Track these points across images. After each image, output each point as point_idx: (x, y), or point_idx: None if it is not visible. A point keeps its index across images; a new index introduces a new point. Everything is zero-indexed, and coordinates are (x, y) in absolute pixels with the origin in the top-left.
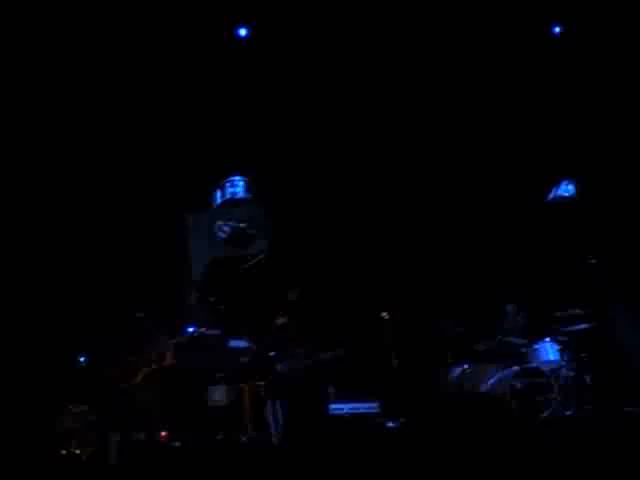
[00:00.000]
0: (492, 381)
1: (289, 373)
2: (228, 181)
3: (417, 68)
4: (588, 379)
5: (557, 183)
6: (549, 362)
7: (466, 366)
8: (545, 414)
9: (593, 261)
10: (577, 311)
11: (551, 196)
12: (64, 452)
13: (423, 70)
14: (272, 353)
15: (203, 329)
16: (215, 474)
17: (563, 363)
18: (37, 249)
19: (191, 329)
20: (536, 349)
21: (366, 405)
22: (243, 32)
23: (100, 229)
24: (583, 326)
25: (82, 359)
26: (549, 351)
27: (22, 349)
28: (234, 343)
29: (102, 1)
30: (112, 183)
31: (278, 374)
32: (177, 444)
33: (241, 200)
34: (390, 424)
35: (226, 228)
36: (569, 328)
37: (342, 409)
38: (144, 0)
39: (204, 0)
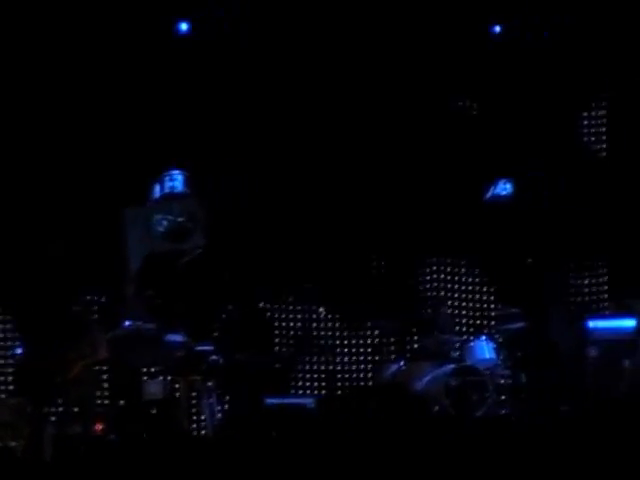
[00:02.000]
0: (427, 379)
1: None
2: (167, 175)
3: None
4: (523, 378)
5: (494, 182)
6: (484, 360)
7: (401, 363)
8: (479, 413)
9: (529, 261)
10: (513, 310)
11: (488, 195)
12: None
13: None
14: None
15: (139, 323)
16: (150, 468)
17: (498, 362)
18: None
19: (127, 323)
20: (471, 347)
21: (302, 401)
22: (184, 27)
23: (38, 221)
24: (519, 325)
25: (18, 351)
26: (484, 349)
27: None
28: (170, 337)
29: None
30: (50, 175)
31: (213, 368)
32: (112, 437)
33: (180, 194)
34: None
35: (164, 222)
36: (505, 326)
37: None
38: None
39: None
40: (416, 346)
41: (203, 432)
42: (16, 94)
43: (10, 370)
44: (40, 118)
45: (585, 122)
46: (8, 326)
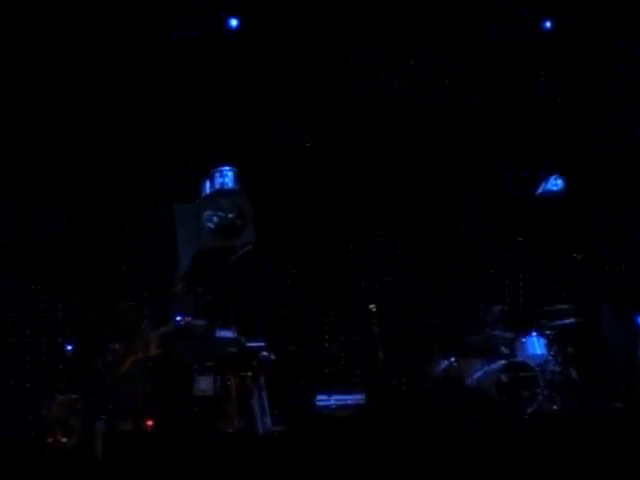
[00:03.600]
0: (478, 375)
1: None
2: (217, 171)
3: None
4: (574, 374)
5: (545, 177)
6: (535, 356)
7: (452, 359)
8: (531, 409)
9: (579, 257)
10: (563, 306)
11: (539, 191)
12: (50, 440)
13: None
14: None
15: (189, 319)
16: (200, 465)
17: (549, 357)
18: (24, 238)
19: (177, 319)
20: (522, 343)
21: (352, 397)
22: (234, 23)
23: (87, 219)
24: (569, 321)
25: (69, 348)
26: (535, 345)
27: (10, 338)
28: (221, 333)
29: None
30: (100, 174)
31: (265, 364)
32: (163, 433)
33: (230, 190)
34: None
35: (214, 218)
36: (556, 322)
37: (329, 400)
38: None
39: None
40: (467, 342)
41: (254, 429)
42: (70, 91)
43: (61, 367)
44: (94, 115)
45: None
46: (59, 323)
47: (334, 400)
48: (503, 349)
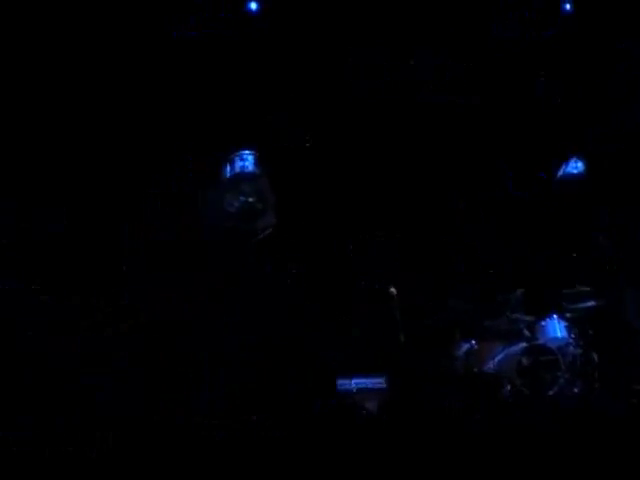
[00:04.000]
0: (499, 358)
1: None
2: (237, 155)
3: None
4: (595, 357)
5: (566, 160)
6: (556, 339)
7: (473, 342)
8: (552, 392)
9: (601, 239)
10: (585, 288)
11: (559, 173)
12: None
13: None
14: None
15: None
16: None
17: (570, 340)
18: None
19: None
20: (543, 326)
21: (373, 380)
22: (254, 6)
23: (108, 209)
24: (591, 303)
25: None
26: (556, 328)
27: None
28: None
29: None
30: (122, 161)
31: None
32: None
33: (250, 174)
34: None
35: (235, 202)
36: (577, 305)
37: (350, 384)
38: None
39: None
40: (488, 326)
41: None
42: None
43: None
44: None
45: None
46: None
47: (355, 384)
48: (524, 332)
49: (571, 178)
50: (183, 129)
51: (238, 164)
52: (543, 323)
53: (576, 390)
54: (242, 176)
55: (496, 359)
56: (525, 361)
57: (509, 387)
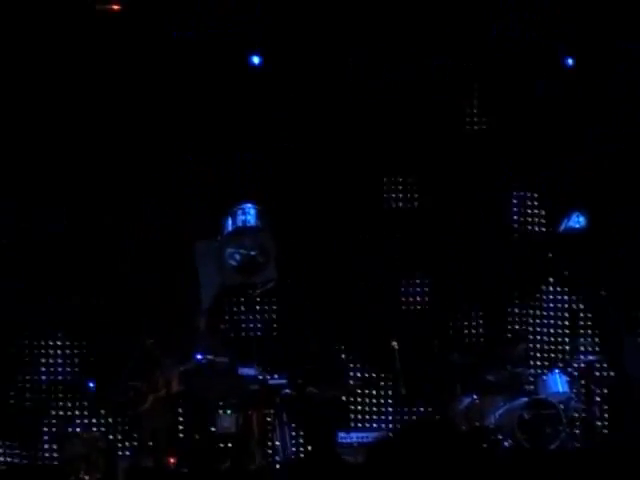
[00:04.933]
0: (500, 412)
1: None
2: (239, 208)
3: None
4: (597, 411)
5: (568, 215)
6: (558, 394)
7: (475, 397)
8: (553, 446)
9: (603, 293)
10: (586, 344)
11: (562, 228)
12: (72, 478)
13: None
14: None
15: (211, 357)
16: None
17: (572, 395)
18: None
19: (199, 356)
20: (545, 380)
21: (375, 434)
22: (256, 60)
23: (108, 255)
24: (592, 357)
25: (91, 385)
26: (558, 382)
27: (36, 373)
28: (243, 371)
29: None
30: (120, 208)
31: (287, 401)
32: (185, 470)
33: (252, 228)
34: None
35: (237, 256)
36: (578, 360)
37: (351, 438)
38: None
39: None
40: (489, 380)
41: (276, 466)
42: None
43: (83, 404)
44: (121, 149)
45: None
46: (80, 360)
47: (355, 438)
48: (525, 386)
49: (573, 232)
50: (185, 182)
51: (240, 217)
52: (545, 378)
53: (578, 444)
54: (244, 229)
55: (497, 413)
56: (527, 415)
57: (510, 441)
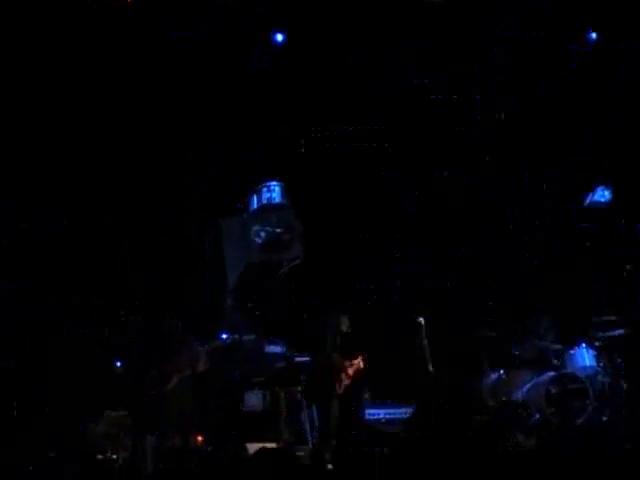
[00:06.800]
0: (527, 387)
1: None
2: (264, 186)
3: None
4: (624, 385)
5: (592, 189)
6: (585, 368)
7: (502, 372)
8: (580, 420)
9: (628, 267)
10: (612, 317)
11: (587, 202)
12: (100, 457)
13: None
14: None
15: (237, 335)
16: None
17: (599, 369)
18: (75, 256)
19: (225, 335)
20: (572, 354)
21: (402, 410)
22: (280, 38)
23: (135, 236)
24: (619, 332)
25: (118, 364)
26: (585, 356)
27: (59, 354)
28: (270, 348)
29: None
30: (147, 188)
31: (314, 379)
32: (212, 449)
33: (277, 205)
34: None
35: (262, 233)
36: (605, 334)
37: (378, 414)
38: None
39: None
40: (516, 354)
41: (304, 443)
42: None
43: (110, 384)
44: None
45: None
46: (107, 340)
47: (384, 414)
48: (552, 361)
49: (599, 206)
50: (211, 159)
51: (265, 195)
52: (572, 352)
53: (604, 418)
54: (269, 207)
55: (524, 388)
56: (554, 390)
57: (538, 416)
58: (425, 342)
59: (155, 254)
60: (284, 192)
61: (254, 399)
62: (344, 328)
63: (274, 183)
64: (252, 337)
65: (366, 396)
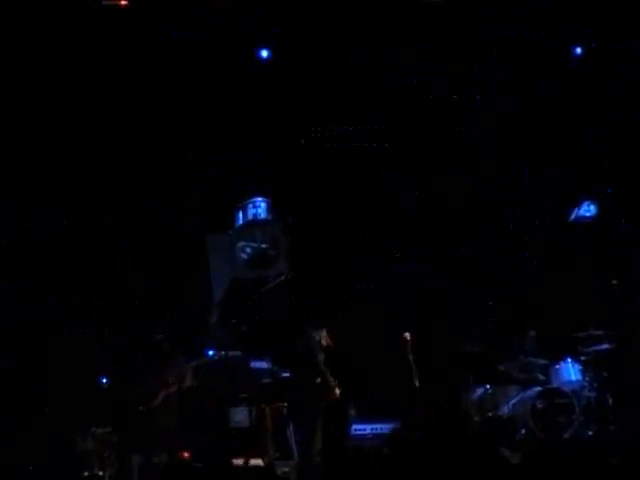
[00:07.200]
0: (513, 402)
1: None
2: (250, 202)
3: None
4: (610, 399)
5: (578, 204)
6: (571, 382)
7: (487, 387)
8: (566, 435)
9: (614, 282)
10: (598, 332)
11: (572, 217)
12: (86, 474)
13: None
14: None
15: (223, 352)
16: None
17: (585, 383)
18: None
19: (211, 351)
20: (557, 369)
21: (388, 425)
22: (265, 54)
23: (120, 251)
24: (604, 346)
25: (104, 381)
26: (570, 371)
27: (45, 371)
28: (255, 364)
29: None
30: (132, 204)
31: (300, 394)
32: (198, 465)
33: (263, 221)
34: None
35: (248, 249)
36: (590, 348)
37: (364, 430)
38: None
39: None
40: (502, 369)
41: (290, 459)
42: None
43: (96, 400)
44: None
45: None
46: (93, 356)
47: (370, 429)
48: (538, 376)
49: (584, 221)
50: (196, 176)
51: (251, 211)
52: (557, 366)
53: (590, 433)
54: (255, 223)
55: (510, 403)
56: (540, 404)
57: (524, 430)
58: (411, 357)
59: (141, 271)
60: (270, 208)
61: (240, 415)
62: (324, 342)
63: (260, 199)
64: (238, 353)
65: (352, 412)
